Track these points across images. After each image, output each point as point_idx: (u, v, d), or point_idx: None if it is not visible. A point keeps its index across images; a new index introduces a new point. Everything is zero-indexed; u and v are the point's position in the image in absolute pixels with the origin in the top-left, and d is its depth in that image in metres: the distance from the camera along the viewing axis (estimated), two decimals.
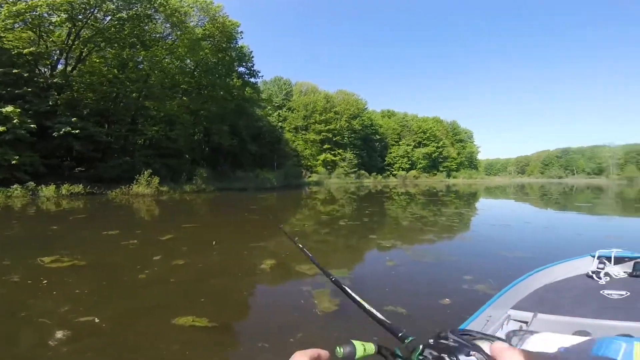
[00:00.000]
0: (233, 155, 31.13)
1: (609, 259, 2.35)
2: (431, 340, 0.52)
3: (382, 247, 5.82)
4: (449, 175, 70.28)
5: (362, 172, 51.30)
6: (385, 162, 61.96)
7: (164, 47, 24.19)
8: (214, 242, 6.09)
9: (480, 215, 11.75)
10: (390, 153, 62.94)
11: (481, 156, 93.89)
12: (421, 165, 65.12)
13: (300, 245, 1.31)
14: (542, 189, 31.54)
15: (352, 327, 2.73)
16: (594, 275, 2.19)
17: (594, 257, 2.43)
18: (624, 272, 2.22)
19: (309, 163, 46.43)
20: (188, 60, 26.58)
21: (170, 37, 25.40)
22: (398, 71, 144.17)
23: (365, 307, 0.75)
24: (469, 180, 68.02)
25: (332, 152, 48.56)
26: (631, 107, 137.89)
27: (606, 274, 2.17)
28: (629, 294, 1.83)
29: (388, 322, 0.65)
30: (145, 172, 19.64)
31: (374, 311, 0.71)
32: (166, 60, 24.99)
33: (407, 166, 63.11)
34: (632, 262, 2.26)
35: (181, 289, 3.68)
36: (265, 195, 20.47)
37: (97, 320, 2.74)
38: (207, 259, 4.97)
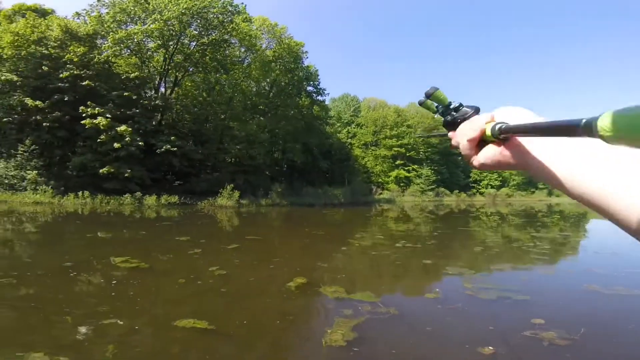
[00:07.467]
0: (306, 172, 32.32)
1: None
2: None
3: (433, 275, 5.16)
4: (550, 194, 60.32)
5: (442, 189, 47.63)
6: (471, 179, 56.49)
7: (240, 70, 26.84)
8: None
9: (585, 240, 9.81)
10: None
11: None
12: (515, 182, 57.38)
13: None
14: None
15: None
16: None
17: None
18: None
19: (380, 180, 45.15)
20: (264, 83, 28.87)
21: (246, 61, 28.10)
22: (477, 77, 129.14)
23: None
24: None
25: (406, 168, 46.36)
26: None
27: None
28: None
29: None
30: (228, 187, 21.69)
31: None
32: (244, 83, 27.56)
33: (498, 183, 56.32)
34: None
35: (217, 303, 3.79)
36: (330, 211, 20.53)
37: (120, 322, 2.97)
38: (258, 273, 5.08)
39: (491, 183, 56.41)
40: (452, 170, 52.49)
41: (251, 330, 2.99)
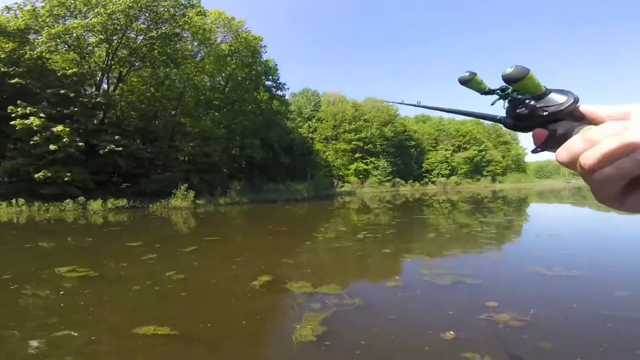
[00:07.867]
0: (267, 168, 31.86)
1: None
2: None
3: (393, 263, 5.41)
4: (494, 180, 65.79)
5: (398, 180, 49.78)
6: (423, 169, 59.71)
7: (193, 64, 25.59)
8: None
9: (526, 224, 10.77)
10: (428, 159, 60.50)
11: (529, 159, 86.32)
12: (462, 171, 61.70)
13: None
14: None
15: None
16: None
17: None
18: None
19: (340, 173, 46.07)
20: (219, 77, 27.79)
21: (200, 55, 26.78)
22: (429, 77, 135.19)
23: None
24: (517, 184, 63.10)
25: (364, 161, 47.81)
26: None
27: None
28: None
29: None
30: (182, 187, 20.66)
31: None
32: (197, 77, 26.32)
33: (447, 172, 60.15)
34: None
35: (177, 307, 3.63)
36: (293, 206, 20.51)
37: (74, 334, 2.75)
38: (219, 274, 4.94)
39: (442, 172, 60.07)
40: (406, 161, 55.01)
41: (217, 333, 2.92)
